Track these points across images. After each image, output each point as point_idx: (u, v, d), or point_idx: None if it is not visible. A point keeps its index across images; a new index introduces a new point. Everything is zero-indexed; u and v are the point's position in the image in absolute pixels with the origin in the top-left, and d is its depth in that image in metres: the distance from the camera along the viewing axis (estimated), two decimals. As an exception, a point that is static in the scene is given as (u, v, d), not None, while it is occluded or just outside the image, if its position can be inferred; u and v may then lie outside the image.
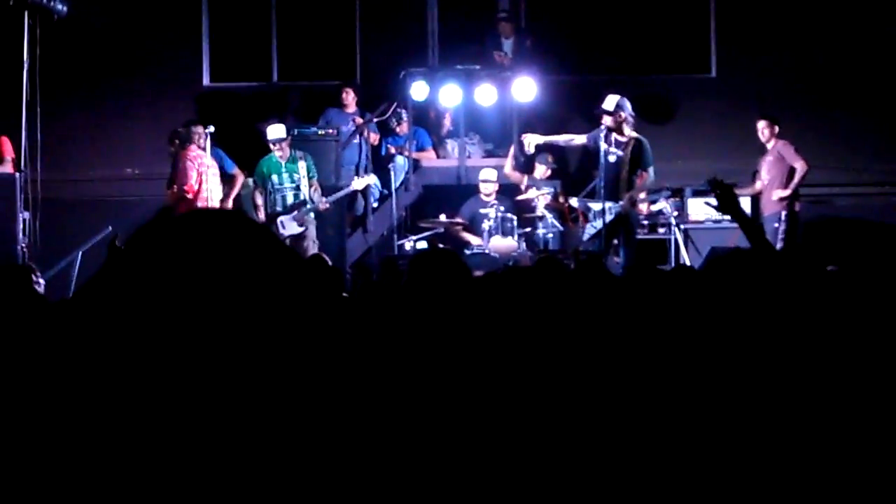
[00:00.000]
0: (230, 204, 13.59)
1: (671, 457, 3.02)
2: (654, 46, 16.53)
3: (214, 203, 13.17)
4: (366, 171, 14.59)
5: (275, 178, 13.71)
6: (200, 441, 1.91)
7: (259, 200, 13.79)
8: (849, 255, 3.63)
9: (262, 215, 13.61)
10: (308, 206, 13.61)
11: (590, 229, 12.64)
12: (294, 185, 13.67)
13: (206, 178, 13.17)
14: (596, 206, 12.53)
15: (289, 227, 13.56)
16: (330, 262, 9.44)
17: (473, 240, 13.98)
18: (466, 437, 2.84)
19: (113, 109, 15.88)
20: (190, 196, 12.99)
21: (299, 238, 13.49)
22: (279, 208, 13.67)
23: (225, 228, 2.01)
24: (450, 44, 15.95)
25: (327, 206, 13.81)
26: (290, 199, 13.64)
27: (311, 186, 13.72)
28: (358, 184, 14.03)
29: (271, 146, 13.73)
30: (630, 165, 12.53)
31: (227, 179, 13.78)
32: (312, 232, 13.73)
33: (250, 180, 14.02)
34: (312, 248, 13.42)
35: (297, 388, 2.04)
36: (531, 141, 13.14)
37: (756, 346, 3.29)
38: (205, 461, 1.90)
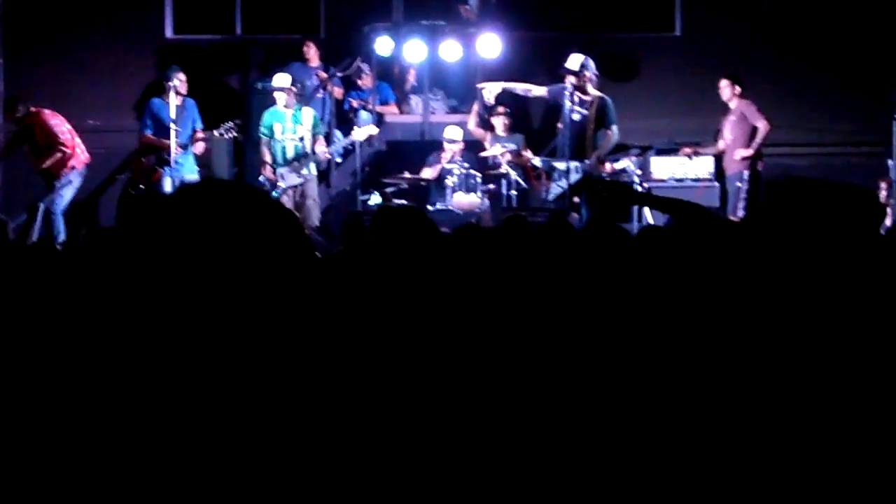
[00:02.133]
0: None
1: (619, 424, 3.05)
2: (619, 4, 16.51)
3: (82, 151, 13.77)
4: (329, 126, 14.56)
5: (277, 128, 13.58)
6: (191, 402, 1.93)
7: (267, 155, 13.61)
8: (809, 215, 3.67)
9: (268, 171, 13.55)
10: (309, 158, 13.55)
11: (555, 189, 12.68)
12: (296, 136, 13.56)
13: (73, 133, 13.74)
14: (561, 165, 12.57)
15: (288, 178, 13.47)
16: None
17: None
18: (440, 400, 2.86)
19: (75, 61, 15.73)
20: (69, 151, 13.39)
21: (301, 196, 13.45)
22: (279, 160, 13.55)
23: (221, 199, 2.04)
24: (415, -1, 15.89)
25: (328, 155, 13.83)
26: (290, 152, 13.53)
27: (314, 141, 13.60)
28: (358, 134, 13.99)
29: (275, 95, 13.65)
30: (595, 124, 12.60)
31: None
32: (313, 190, 13.64)
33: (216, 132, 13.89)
34: (314, 207, 13.45)
35: (269, 354, 2.06)
36: (490, 89, 13.17)
37: (719, 307, 3.33)
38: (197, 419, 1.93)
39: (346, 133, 14.56)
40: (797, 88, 15.88)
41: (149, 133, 13.76)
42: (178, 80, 13.64)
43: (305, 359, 2.13)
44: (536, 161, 13.43)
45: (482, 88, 13.38)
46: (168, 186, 13.28)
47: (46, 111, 13.50)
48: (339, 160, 14.88)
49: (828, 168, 14.77)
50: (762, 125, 13.68)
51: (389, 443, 2.41)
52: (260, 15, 16.54)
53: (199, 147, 13.73)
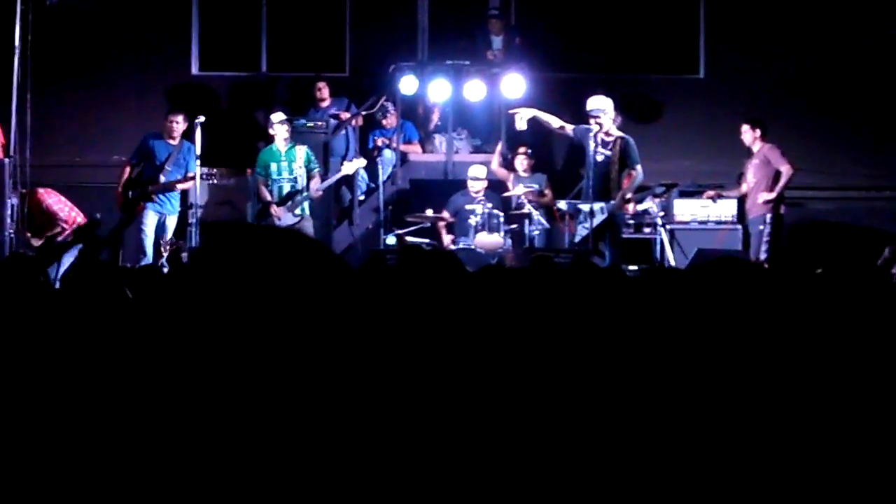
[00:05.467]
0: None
1: (650, 453, 3.07)
2: (643, 46, 16.56)
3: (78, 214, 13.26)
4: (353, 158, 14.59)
5: (273, 167, 13.67)
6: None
7: (265, 193, 13.65)
8: (831, 258, 3.69)
9: (275, 209, 13.57)
10: (303, 195, 13.60)
11: (581, 230, 12.68)
12: (291, 176, 13.63)
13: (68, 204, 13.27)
14: (586, 207, 12.56)
15: (284, 217, 13.51)
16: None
17: (445, 239, 14.05)
18: (464, 434, 2.89)
19: (102, 96, 15.88)
20: (67, 227, 13.10)
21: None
22: (275, 199, 13.62)
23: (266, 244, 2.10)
24: (439, 39, 15.97)
25: (320, 192, 13.81)
26: (285, 190, 13.60)
27: (310, 178, 13.65)
28: (347, 168, 14.02)
29: (272, 131, 13.77)
30: (618, 165, 12.63)
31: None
32: (309, 228, 13.48)
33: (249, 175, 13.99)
34: None
35: (300, 380, 2.09)
36: (522, 115, 13.09)
37: (742, 348, 3.35)
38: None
39: (372, 171, 14.66)
40: (821, 132, 15.89)
41: (133, 166, 13.66)
42: (174, 123, 13.65)
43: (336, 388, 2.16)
44: (561, 204, 13.44)
45: (515, 113, 13.30)
46: (150, 220, 13.25)
47: (41, 190, 13.05)
48: (361, 198, 14.93)
49: (850, 212, 14.79)
50: (785, 169, 13.68)
51: (406, 479, 2.44)
52: (285, 53, 16.64)
53: (183, 186, 13.53)
